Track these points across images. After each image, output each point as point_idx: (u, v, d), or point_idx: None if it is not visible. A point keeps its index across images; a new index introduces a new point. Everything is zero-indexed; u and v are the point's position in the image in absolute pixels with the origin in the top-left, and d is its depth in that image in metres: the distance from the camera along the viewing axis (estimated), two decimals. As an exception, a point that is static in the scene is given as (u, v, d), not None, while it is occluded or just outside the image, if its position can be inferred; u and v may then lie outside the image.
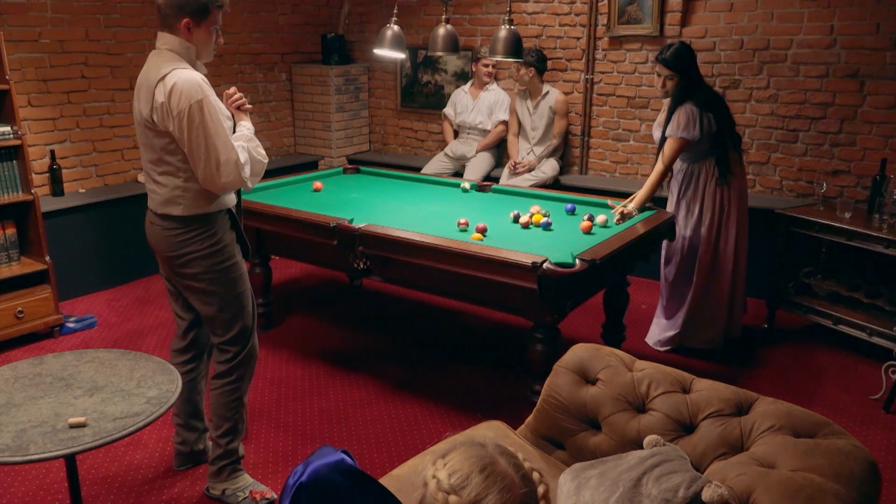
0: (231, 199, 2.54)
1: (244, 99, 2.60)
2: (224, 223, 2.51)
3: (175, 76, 2.27)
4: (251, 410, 3.28)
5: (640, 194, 3.57)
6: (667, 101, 3.69)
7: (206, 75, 2.38)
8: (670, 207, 3.84)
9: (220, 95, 2.43)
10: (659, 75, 3.62)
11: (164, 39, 2.38)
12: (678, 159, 3.69)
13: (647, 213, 3.55)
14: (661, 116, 3.75)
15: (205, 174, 2.32)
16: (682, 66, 3.54)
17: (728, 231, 3.69)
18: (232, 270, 2.51)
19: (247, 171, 2.38)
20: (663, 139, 3.61)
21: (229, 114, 2.45)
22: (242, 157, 2.36)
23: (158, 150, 2.37)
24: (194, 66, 2.38)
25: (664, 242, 3.75)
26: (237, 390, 2.62)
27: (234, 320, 2.55)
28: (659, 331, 3.93)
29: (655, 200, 3.86)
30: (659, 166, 3.62)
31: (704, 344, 3.82)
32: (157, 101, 2.28)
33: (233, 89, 2.61)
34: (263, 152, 2.50)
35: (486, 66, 5.34)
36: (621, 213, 3.46)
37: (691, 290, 3.76)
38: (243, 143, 2.43)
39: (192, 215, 2.41)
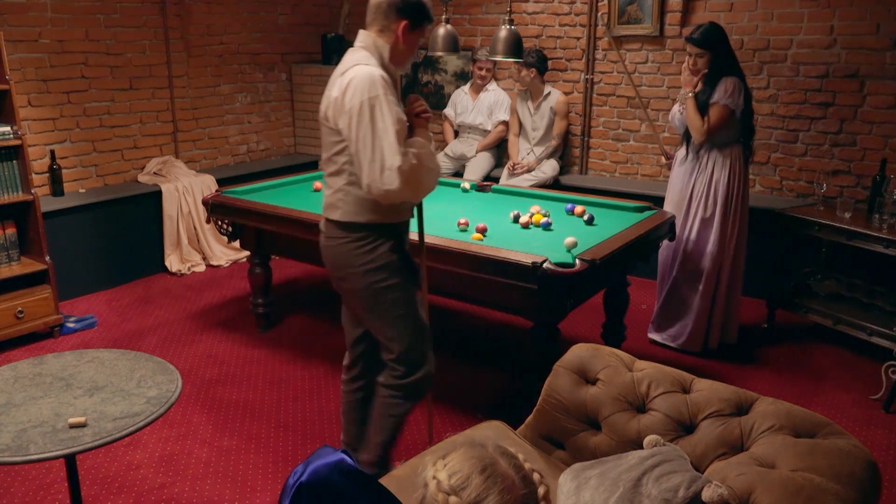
0: (400, 214, 2.39)
1: (426, 107, 2.44)
2: (388, 239, 2.36)
3: (354, 71, 2.21)
4: (252, 410, 3.29)
5: (691, 104, 3.58)
6: (682, 95, 3.68)
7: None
8: (675, 198, 3.80)
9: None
10: (690, 55, 3.62)
11: (361, 37, 2.33)
12: (691, 149, 3.69)
13: (647, 213, 3.55)
14: (676, 108, 3.78)
15: (369, 178, 2.18)
16: (711, 43, 3.53)
17: (735, 225, 3.69)
18: (391, 291, 2.37)
19: (413, 182, 2.20)
20: (705, 104, 3.55)
21: (405, 119, 2.30)
22: (407, 165, 2.17)
23: (330, 148, 2.32)
24: (385, 69, 2.30)
25: (663, 243, 3.75)
26: (398, 407, 2.49)
27: (396, 341, 2.42)
28: (666, 325, 3.92)
29: (655, 200, 3.86)
30: (704, 127, 3.56)
31: (726, 338, 3.85)
32: (332, 95, 2.25)
33: (416, 96, 2.46)
34: (438, 163, 2.35)
35: (480, 69, 5.34)
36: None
37: (703, 283, 3.73)
38: (416, 149, 2.25)
39: (350, 222, 2.32)
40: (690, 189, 3.73)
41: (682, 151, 3.79)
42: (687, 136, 3.72)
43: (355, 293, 2.42)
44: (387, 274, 2.36)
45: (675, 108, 3.80)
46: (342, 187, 2.31)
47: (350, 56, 2.32)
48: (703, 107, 3.56)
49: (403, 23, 2.28)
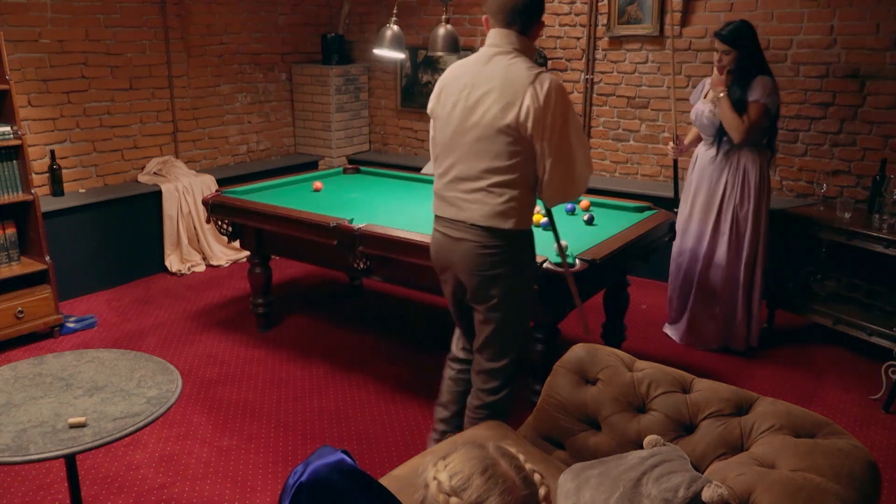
0: None
1: None
2: (532, 239, 2.42)
3: (547, 81, 2.16)
4: (252, 410, 3.29)
5: (725, 104, 3.54)
6: (713, 95, 3.65)
7: None
8: (702, 198, 3.77)
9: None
10: (717, 51, 3.61)
11: (511, 38, 2.25)
12: (721, 148, 3.67)
13: (647, 213, 3.55)
14: (700, 104, 3.76)
15: (561, 186, 2.23)
16: (738, 41, 3.52)
17: (765, 221, 3.69)
18: (529, 295, 2.41)
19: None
20: (742, 103, 3.52)
21: None
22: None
23: (503, 158, 2.22)
24: None
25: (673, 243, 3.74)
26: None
27: (511, 346, 2.43)
28: (701, 327, 3.91)
29: (655, 200, 3.85)
30: (744, 126, 3.52)
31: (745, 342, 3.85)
32: (525, 105, 2.16)
33: None
34: None
35: None
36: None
37: (743, 280, 3.72)
38: None
39: (521, 230, 2.31)
40: (722, 189, 3.70)
41: (711, 151, 3.73)
42: (719, 136, 3.66)
43: (504, 297, 2.35)
44: (530, 273, 2.43)
45: (700, 106, 3.76)
46: (516, 196, 2.25)
47: (514, 60, 2.23)
48: (735, 105, 3.55)
49: (541, 22, 2.30)
